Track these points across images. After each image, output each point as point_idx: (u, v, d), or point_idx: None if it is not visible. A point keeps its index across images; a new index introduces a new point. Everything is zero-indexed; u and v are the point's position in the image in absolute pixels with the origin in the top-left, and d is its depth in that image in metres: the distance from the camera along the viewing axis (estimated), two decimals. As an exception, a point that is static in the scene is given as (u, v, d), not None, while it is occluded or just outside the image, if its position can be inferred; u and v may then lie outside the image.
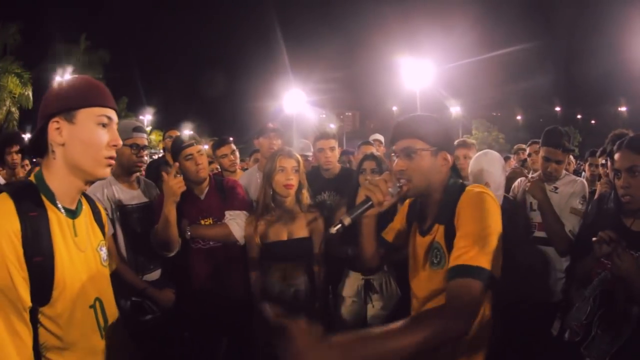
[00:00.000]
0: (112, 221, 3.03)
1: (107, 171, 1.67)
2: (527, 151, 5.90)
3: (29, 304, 1.42)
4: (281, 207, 3.12)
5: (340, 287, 3.48)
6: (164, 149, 6.22)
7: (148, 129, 46.71)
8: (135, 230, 3.14)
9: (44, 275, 1.47)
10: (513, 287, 2.90)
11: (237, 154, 5.03)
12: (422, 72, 28.41)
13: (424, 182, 1.92)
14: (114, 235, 3.04)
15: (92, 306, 1.65)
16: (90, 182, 1.69)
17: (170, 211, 2.90)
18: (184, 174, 3.17)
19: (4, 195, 1.47)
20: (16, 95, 28.09)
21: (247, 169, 5.38)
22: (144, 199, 3.28)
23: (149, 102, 49.90)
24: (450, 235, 1.81)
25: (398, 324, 1.42)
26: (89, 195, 1.89)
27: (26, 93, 27.97)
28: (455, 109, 51.96)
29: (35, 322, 1.46)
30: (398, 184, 1.91)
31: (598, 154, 4.89)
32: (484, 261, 1.62)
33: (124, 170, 3.17)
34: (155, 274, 3.22)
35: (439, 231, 1.92)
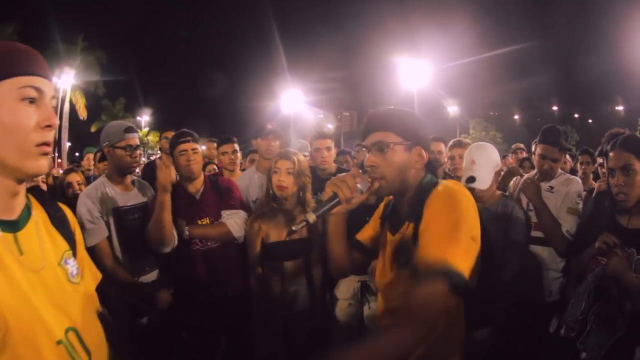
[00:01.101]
0: (107, 223, 3.04)
1: (42, 164, 1.22)
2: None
3: None
4: (281, 207, 3.14)
5: (336, 290, 3.47)
6: (160, 149, 6.23)
7: (145, 129, 46.90)
8: (130, 232, 3.12)
9: None
10: (508, 287, 2.92)
11: (239, 154, 5.05)
12: (420, 72, 28.54)
13: (397, 178, 1.79)
14: (109, 238, 3.04)
15: (61, 341, 1.20)
16: (24, 181, 1.26)
17: (164, 200, 2.91)
18: (176, 169, 3.21)
19: None
20: None
21: (244, 169, 5.39)
22: (139, 200, 3.27)
23: (147, 102, 50.00)
24: (418, 232, 1.67)
25: (367, 340, 1.40)
26: (48, 198, 1.50)
27: None
28: (453, 109, 52.10)
29: None
30: (371, 180, 1.80)
31: (597, 153, 4.89)
32: (452, 260, 1.48)
33: (118, 172, 3.17)
34: (152, 275, 3.22)
35: (408, 229, 1.78)
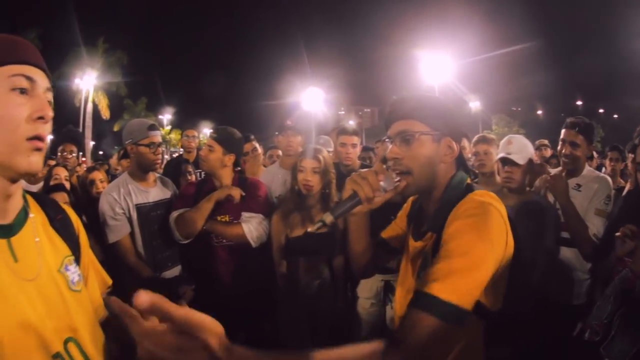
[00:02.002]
0: (130, 219, 3.07)
1: (34, 160, 1.09)
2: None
3: None
4: (305, 203, 3.16)
5: (358, 288, 3.43)
6: (182, 147, 6.27)
7: (168, 128, 47.34)
8: (153, 228, 3.16)
9: None
10: (534, 288, 2.86)
11: (260, 151, 5.07)
12: (441, 67, 28.29)
13: (425, 174, 1.58)
14: (132, 234, 3.08)
15: (58, 354, 1.09)
16: (16, 180, 1.12)
17: (208, 205, 3.02)
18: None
19: None
20: None
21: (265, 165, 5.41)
22: (162, 197, 3.29)
23: (169, 101, 50.45)
24: (438, 247, 1.44)
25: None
26: (49, 198, 1.40)
27: None
28: (475, 104, 51.53)
29: None
30: (396, 178, 1.60)
31: (628, 149, 4.76)
32: (455, 294, 1.25)
33: (141, 169, 3.20)
34: (174, 271, 3.25)
35: (431, 239, 1.59)
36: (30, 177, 1.73)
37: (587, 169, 3.37)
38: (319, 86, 37.87)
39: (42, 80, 1.12)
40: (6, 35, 1.13)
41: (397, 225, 1.99)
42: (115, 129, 38.46)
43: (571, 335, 2.30)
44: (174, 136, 46.66)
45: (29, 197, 1.24)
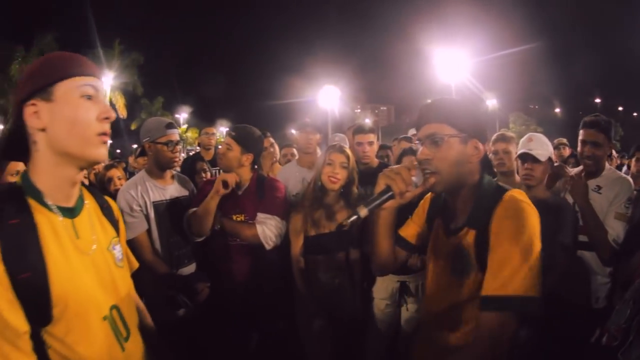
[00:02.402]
0: (147, 217, 3.08)
1: (102, 151, 1.38)
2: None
3: (24, 328, 1.19)
4: (325, 200, 3.15)
5: (374, 288, 3.39)
6: (199, 144, 6.29)
7: (184, 126, 47.63)
8: (169, 225, 3.17)
9: (37, 293, 1.22)
10: (552, 290, 2.81)
11: (276, 148, 5.07)
12: (457, 65, 28.08)
13: (452, 174, 1.70)
14: (149, 231, 3.09)
15: (107, 317, 1.39)
16: (84, 169, 1.43)
17: (214, 198, 2.96)
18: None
19: None
20: None
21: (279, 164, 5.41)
22: (179, 194, 3.31)
23: (185, 100, 50.75)
24: (482, 243, 1.62)
25: None
26: (94, 189, 1.66)
27: None
28: (492, 102, 51.16)
29: (40, 344, 1.24)
30: (424, 174, 1.71)
31: None
32: (525, 288, 1.47)
33: (158, 167, 3.21)
34: (190, 268, 3.26)
35: (468, 235, 1.72)
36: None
37: (608, 169, 3.29)
38: (334, 84, 37.78)
39: (102, 88, 1.42)
40: (70, 53, 1.42)
41: (415, 223, 2.07)
42: (132, 127, 38.89)
43: (589, 339, 2.26)
44: (190, 135, 46.93)
45: (82, 187, 1.52)
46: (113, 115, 1.39)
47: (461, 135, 1.68)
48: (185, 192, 3.36)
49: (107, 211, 1.61)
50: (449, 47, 29.72)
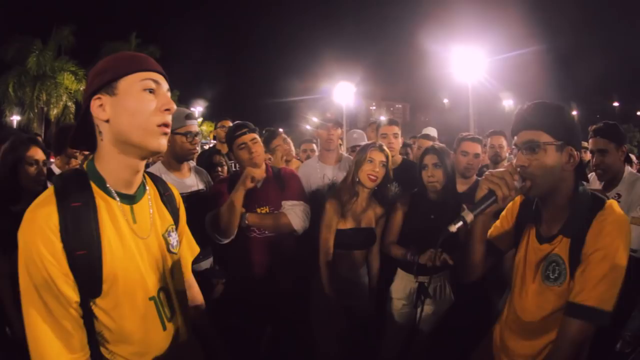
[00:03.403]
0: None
1: (162, 142, 1.47)
2: None
3: (75, 299, 1.35)
4: (360, 195, 3.20)
5: (392, 289, 3.35)
6: (214, 137, 6.29)
7: (199, 119, 47.86)
8: (186, 219, 3.13)
9: (90, 269, 1.37)
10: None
11: (289, 140, 5.05)
12: (474, 64, 27.84)
13: (548, 181, 1.74)
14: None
15: (153, 298, 1.53)
16: (145, 158, 1.52)
17: (240, 193, 2.94)
18: (238, 163, 3.24)
19: (50, 189, 1.40)
20: (72, 91, 30.58)
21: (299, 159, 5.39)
22: (196, 187, 3.28)
23: (201, 94, 50.94)
24: (577, 251, 1.68)
25: None
26: (159, 177, 1.79)
27: (81, 89, 29.57)
28: (508, 102, 50.79)
29: (89, 313, 1.40)
30: (522, 180, 1.74)
31: None
32: (612, 305, 1.57)
33: (176, 158, 3.18)
34: (205, 264, 3.25)
35: (562, 243, 1.76)
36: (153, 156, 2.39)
37: (628, 173, 3.21)
38: (350, 81, 37.69)
39: (164, 83, 1.51)
40: (132, 52, 1.55)
41: (503, 227, 2.08)
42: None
43: (603, 343, 2.22)
44: (205, 128, 47.14)
45: (146, 175, 1.65)
46: (174, 107, 1.48)
47: (557, 143, 1.71)
48: (202, 186, 3.33)
49: (168, 199, 1.72)
50: (466, 45, 29.40)
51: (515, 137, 1.82)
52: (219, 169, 4.27)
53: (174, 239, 1.68)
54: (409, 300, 3.26)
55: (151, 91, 1.45)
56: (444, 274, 3.24)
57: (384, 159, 3.16)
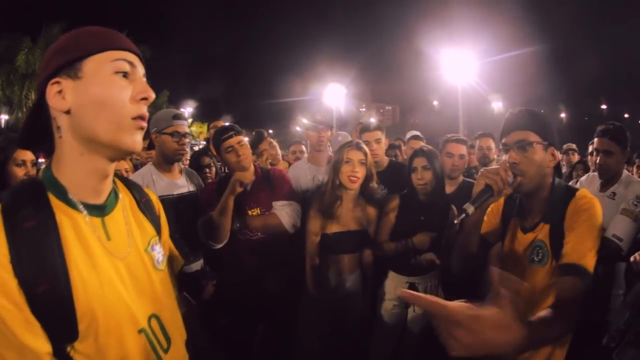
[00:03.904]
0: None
1: (138, 139, 1.17)
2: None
3: (45, 349, 1.02)
4: (346, 197, 3.14)
5: (382, 289, 3.35)
6: (206, 139, 6.27)
7: (189, 120, 47.78)
8: (176, 221, 3.11)
9: (58, 308, 1.04)
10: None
11: (275, 144, 5.04)
12: (463, 66, 27.97)
13: (535, 176, 1.93)
14: (155, 226, 3.03)
15: (143, 330, 1.20)
16: (117, 160, 1.22)
17: (230, 199, 2.90)
18: (226, 166, 3.23)
19: None
20: None
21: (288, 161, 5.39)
22: (187, 189, 3.26)
23: (191, 94, 50.84)
24: (556, 236, 1.89)
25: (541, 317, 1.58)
26: (132, 181, 1.46)
27: None
28: (497, 105, 51.04)
29: None
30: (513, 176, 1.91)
31: None
32: (589, 263, 1.76)
33: (165, 159, 3.16)
34: (196, 265, 3.23)
35: (543, 229, 1.96)
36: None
37: (625, 175, 3.26)
38: (340, 83, 37.72)
39: (140, 66, 1.21)
40: (101, 27, 1.20)
41: (491, 222, 2.26)
42: (138, 121, 38.96)
43: (586, 340, 2.27)
44: (195, 129, 47.06)
45: (116, 180, 1.33)
46: (152, 95, 1.18)
47: (544, 142, 1.93)
48: (193, 188, 3.31)
49: (145, 207, 1.40)
50: (455, 48, 29.54)
51: (505, 138, 1.99)
52: (207, 170, 4.25)
53: (158, 253, 1.35)
54: (400, 301, 3.26)
55: (125, 75, 1.16)
56: (434, 274, 3.25)
57: (362, 157, 3.10)
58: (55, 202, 1.12)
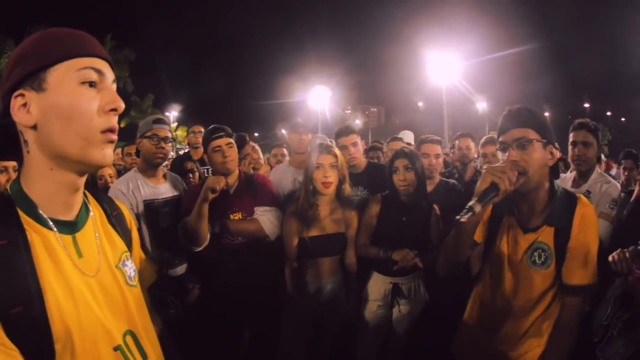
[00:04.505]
0: (138, 216, 3.05)
1: (108, 153, 1.12)
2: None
3: None
4: (321, 202, 3.13)
5: (366, 290, 3.36)
6: (189, 144, 6.23)
7: (174, 124, 47.49)
8: (161, 225, 3.14)
9: (33, 329, 1.00)
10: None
11: (258, 148, 5.05)
12: (448, 67, 28.13)
13: (536, 174, 1.91)
14: (139, 230, 3.03)
15: (118, 347, 1.16)
16: (86, 173, 1.17)
17: (203, 205, 2.88)
18: (211, 166, 3.23)
19: None
20: None
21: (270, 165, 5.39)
22: (171, 194, 3.28)
23: (175, 98, 50.57)
24: (562, 240, 1.92)
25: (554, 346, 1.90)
26: (102, 194, 1.42)
27: None
28: (482, 105, 51.34)
29: None
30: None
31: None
32: (595, 277, 1.91)
33: (148, 164, 3.18)
34: (181, 269, 3.23)
35: (546, 232, 1.97)
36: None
37: (597, 173, 3.37)
38: (325, 85, 37.74)
39: (109, 73, 1.14)
40: (69, 29, 1.15)
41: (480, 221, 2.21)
42: (122, 125, 38.53)
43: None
44: (180, 133, 46.86)
45: (87, 193, 1.28)
46: (121, 106, 1.11)
47: (543, 140, 1.91)
48: (177, 192, 3.33)
49: (116, 220, 1.35)
50: (440, 49, 29.70)
51: (503, 136, 1.96)
52: (191, 175, 4.26)
53: (130, 268, 1.31)
54: (384, 301, 3.27)
55: (92, 84, 1.09)
56: (418, 274, 3.27)
57: (333, 160, 3.06)
58: (25, 219, 1.07)
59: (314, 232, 3.09)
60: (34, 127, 1.06)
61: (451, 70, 28.67)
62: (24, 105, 1.06)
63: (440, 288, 3.01)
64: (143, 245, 2.98)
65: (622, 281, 2.14)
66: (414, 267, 2.99)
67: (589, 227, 1.89)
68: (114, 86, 1.16)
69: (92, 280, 1.14)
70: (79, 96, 1.06)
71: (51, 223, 1.10)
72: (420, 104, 70.67)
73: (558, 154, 1.98)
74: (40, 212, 1.10)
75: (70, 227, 1.14)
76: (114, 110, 1.11)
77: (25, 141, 1.09)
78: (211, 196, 2.87)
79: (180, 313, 2.98)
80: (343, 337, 3.29)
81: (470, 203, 1.74)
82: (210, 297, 3.15)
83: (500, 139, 1.99)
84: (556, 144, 2.01)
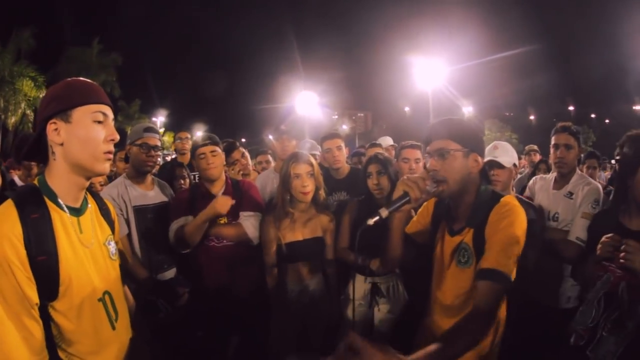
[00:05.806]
0: (127, 221, 3.11)
1: (106, 166, 1.70)
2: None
3: (36, 300, 1.50)
4: (298, 209, 3.18)
5: (346, 290, 3.45)
6: (175, 150, 6.26)
7: (161, 130, 47.22)
8: (150, 230, 3.20)
9: (49, 273, 1.54)
10: (523, 290, 2.88)
11: (247, 154, 5.08)
12: (434, 73, 28.24)
13: (457, 182, 2.01)
14: (129, 235, 3.11)
15: (101, 299, 1.72)
16: (90, 178, 1.73)
17: (206, 221, 3.03)
18: (198, 171, 3.36)
19: (9, 202, 1.56)
20: (31, 98, 28.26)
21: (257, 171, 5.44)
22: (159, 200, 3.35)
23: (162, 104, 50.31)
24: (478, 240, 1.99)
25: (446, 335, 1.71)
26: (97, 193, 1.98)
27: (41, 96, 27.42)
28: (468, 109, 51.48)
29: (46, 316, 1.56)
30: (434, 184, 2.00)
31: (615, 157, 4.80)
32: (508, 270, 1.84)
33: (136, 171, 3.27)
34: (170, 273, 3.28)
35: (468, 233, 2.06)
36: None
37: (578, 174, 3.44)
38: (312, 90, 37.73)
39: (110, 114, 1.72)
40: (87, 81, 1.76)
41: (420, 223, 2.40)
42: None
43: (559, 337, 2.36)
44: (167, 138, 46.63)
45: (87, 191, 1.81)
46: (117, 137, 1.70)
47: (464, 150, 2.01)
48: (164, 198, 3.41)
49: (104, 212, 1.92)
50: (427, 54, 29.86)
51: (428, 147, 2.09)
52: (182, 181, 4.30)
53: (112, 247, 1.86)
54: (365, 301, 3.36)
55: (100, 122, 1.67)
56: (395, 274, 3.38)
57: (309, 168, 3.12)
58: (49, 203, 1.63)
59: (290, 238, 3.14)
60: (61, 144, 1.62)
61: (437, 76, 28.80)
62: (56, 129, 1.61)
63: (418, 287, 3.07)
64: (132, 250, 3.05)
65: (603, 283, 2.21)
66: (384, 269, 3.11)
67: (500, 220, 1.93)
68: (112, 122, 1.73)
69: (87, 250, 1.70)
70: (92, 130, 1.64)
71: (65, 207, 1.66)
72: (407, 109, 70.81)
73: (481, 161, 2.07)
74: (59, 200, 1.65)
75: (76, 212, 1.71)
76: (112, 140, 1.69)
77: (53, 152, 1.64)
78: (225, 212, 3.04)
79: (170, 316, 3.03)
80: (330, 336, 3.32)
81: (380, 209, 1.91)
82: (198, 301, 3.20)
83: (426, 150, 2.11)
84: (484, 151, 2.19)
